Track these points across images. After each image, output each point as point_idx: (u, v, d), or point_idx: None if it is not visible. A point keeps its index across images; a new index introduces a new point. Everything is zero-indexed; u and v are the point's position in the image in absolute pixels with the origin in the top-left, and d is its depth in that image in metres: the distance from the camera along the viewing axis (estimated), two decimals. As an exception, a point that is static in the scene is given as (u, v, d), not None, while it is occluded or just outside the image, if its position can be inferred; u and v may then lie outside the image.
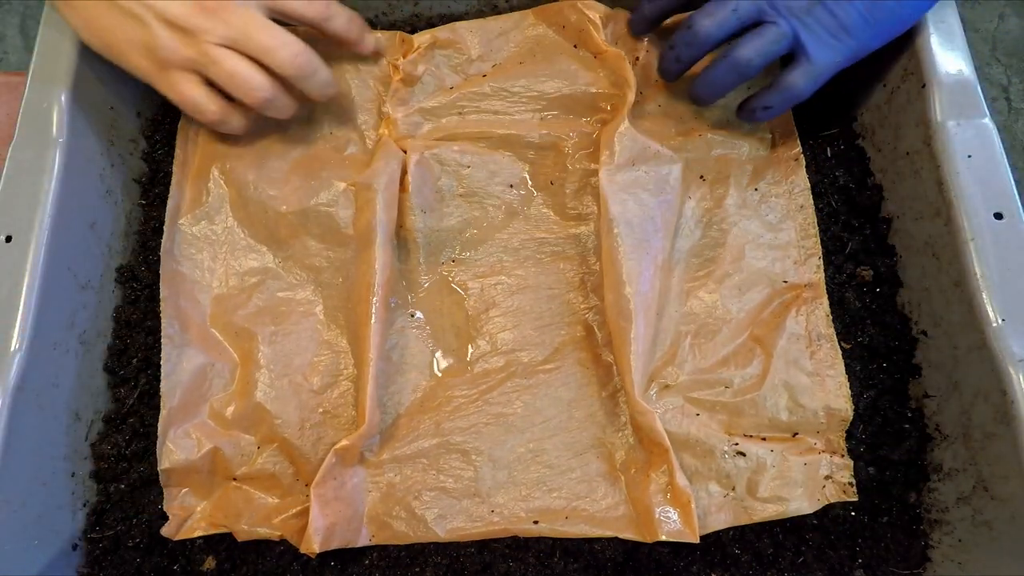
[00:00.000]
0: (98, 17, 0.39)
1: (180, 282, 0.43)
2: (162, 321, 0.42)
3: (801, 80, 0.40)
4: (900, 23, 0.40)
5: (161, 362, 0.41)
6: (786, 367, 0.40)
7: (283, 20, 0.41)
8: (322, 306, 0.43)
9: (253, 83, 0.39)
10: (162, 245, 0.43)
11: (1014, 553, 0.34)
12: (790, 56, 0.40)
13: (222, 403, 0.41)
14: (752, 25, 0.39)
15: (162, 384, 0.41)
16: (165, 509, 0.40)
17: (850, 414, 0.39)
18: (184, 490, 0.40)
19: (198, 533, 0.39)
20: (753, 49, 0.39)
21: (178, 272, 0.43)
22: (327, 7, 0.42)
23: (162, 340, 0.42)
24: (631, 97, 0.43)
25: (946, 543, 0.38)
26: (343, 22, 0.43)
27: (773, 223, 0.43)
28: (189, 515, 0.40)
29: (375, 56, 0.46)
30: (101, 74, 0.43)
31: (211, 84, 0.40)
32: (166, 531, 0.39)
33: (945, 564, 0.38)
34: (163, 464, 0.40)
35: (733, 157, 0.44)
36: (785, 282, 0.42)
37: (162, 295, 0.42)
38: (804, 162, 0.44)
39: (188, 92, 0.39)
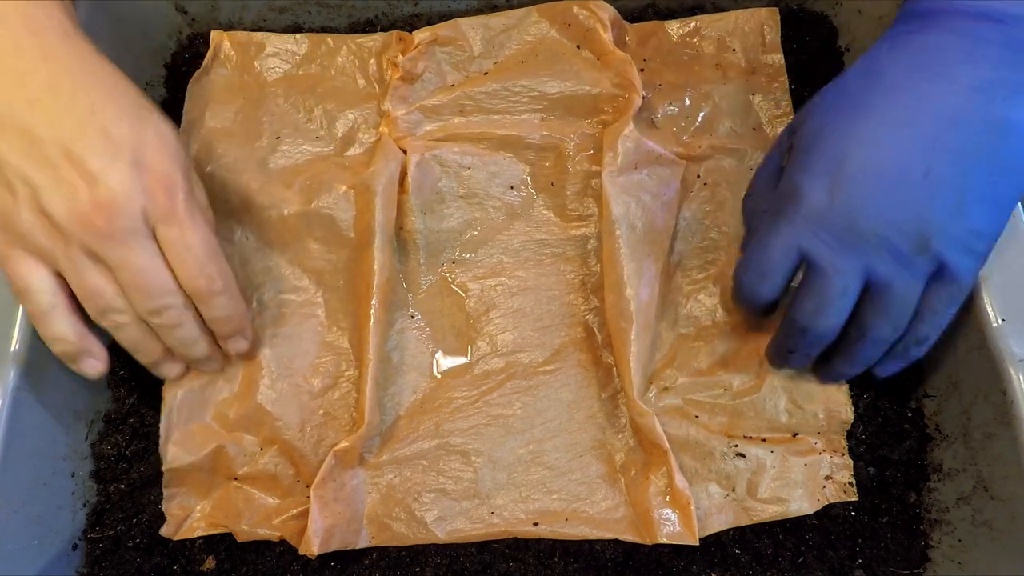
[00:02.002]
0: None
1: None
2: None
3: (950, 306, 0.33)
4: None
5: None
6: (786, 372, 0.40)
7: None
8: (324, 308, 0.43)
9: (114, 304, 0.33)
10: None
11: (1014, 553, 0.34)
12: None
13: (225, 404, 0.41)
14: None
15: (164, 384, 0.41)
16: (163, 509, 0.40)
17: (850, 415, 0.39)
18: (183, 489, 0.40)
19: (198, 533, 0.39)
20: (932, 326, 0.33)
21: None
22: (215, 283, 0.34)
23: None
24: (638, 101, 0.43)
25: (946, 543, 0.38)
26: (223, 312, 0.35)
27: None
28: (188, 515, 0.40)
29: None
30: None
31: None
32: (165, 531, 0.39)
33: (945, 564, 0.38)
34: (166, 464, 0.40)
35: (735, 162, 0.45)
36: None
37: None
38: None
39: (25, 274, 0.32)
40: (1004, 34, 0.28)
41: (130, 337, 0.34)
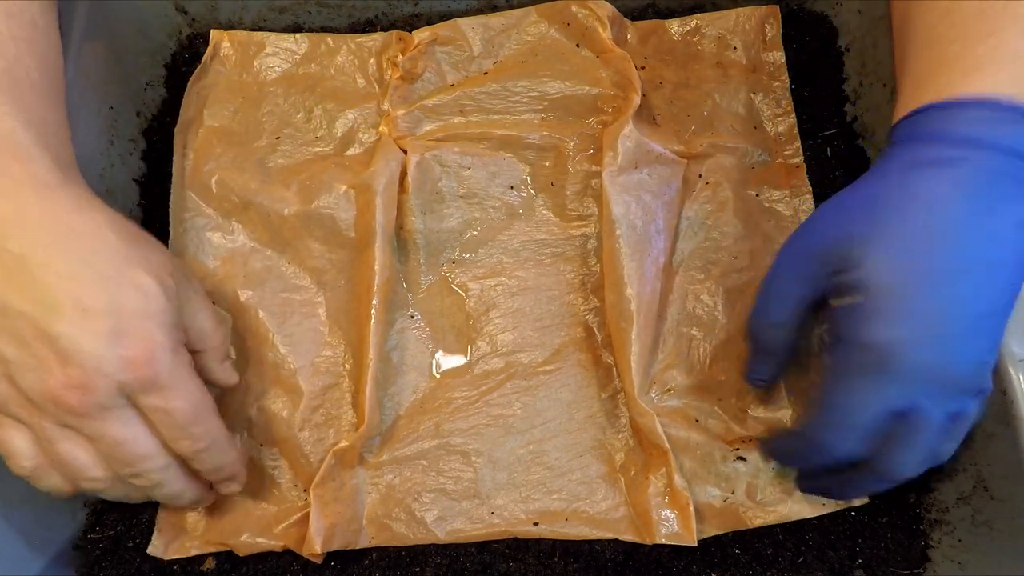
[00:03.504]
0: None
1: None
2: None
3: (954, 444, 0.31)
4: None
5: None
6: (786, 377, 0.40)
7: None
8: (324, 308, 0.43)
9: (89, 474, 0.31)
10: (168, 246, 0.43)
11: (1014, 553, 0.34)
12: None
13: (225, 403, 0.41)
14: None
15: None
16: (156, 525, 0.39)
17: None
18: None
19: (192, 552, 0.39)
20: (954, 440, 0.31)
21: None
22: (199, 443, 0.32)
23: None
24: (636, 100, 0.43)
25: (946, 543, 0.38)
26: (211, 465, 0.34)
27: (775, 227, 0.43)
28: (179, 534, 0.39)
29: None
30: (101, 74, 0.43)
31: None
32: (153, 549, 0.38)
33: (945, 564, 0.38)
34: None
35: (735, 161, 0.44)
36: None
37: None
38: (805, 167, 0.44)
39: (5, 438, 0.31)
40: None
41: (113, 494, 0.33)
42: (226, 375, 0.37)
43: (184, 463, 0.33)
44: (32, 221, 0.29)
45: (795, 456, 0.36)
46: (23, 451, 0.31)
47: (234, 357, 0.41)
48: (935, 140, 0.29)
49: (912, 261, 0.28)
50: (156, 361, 0.30)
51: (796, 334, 0.34)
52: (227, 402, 0.41)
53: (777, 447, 0.37)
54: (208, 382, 0.35)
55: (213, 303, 0.38)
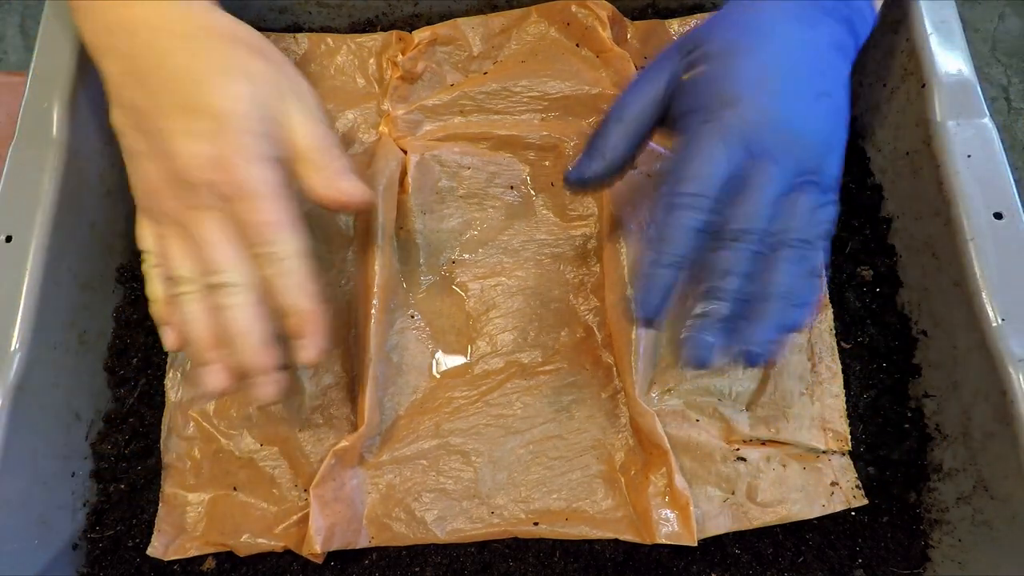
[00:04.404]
0: None
1: None
2: None
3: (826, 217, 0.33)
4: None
5: (167, 360, 0.42)
6: (787, 379, 0.40)
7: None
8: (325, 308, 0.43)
9: (179, 273, 0.32)
10: None
11: (1014, 553, 0.34)
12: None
13: (225, 403, 0.41)
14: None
15: (166, 380, 0.41)
16: (156, 526, 0.39)
17: (846, 427, 0.39)
18: (178, 502, 0.39)
19: (192, 553, 0.39)
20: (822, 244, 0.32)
21: None
22: (276, 255, 0.32)
23: None
24: None
25: (946, 543, 0.38)
26: (289, 295, 0.33)
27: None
28: (179, 533, 0.39)
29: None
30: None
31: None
32: (153, 550, 0.38)
33: (945, 564, 0.38)
34: (166, 459, 0.40)
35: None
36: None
37: None
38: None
39: (141, 236, 0.34)
40: (833, 6, 0.34)
41: (189, 311, 0.33)
42: (345, 190, 0.34)
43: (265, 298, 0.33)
44: (152, 26, 0.33)
45: (657, 236, 0.32)
46: (151, 247, 0.34)
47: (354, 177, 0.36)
48: None
49: (745, 36, 0.33)
50: (239, 167, 0.31)
51: (632, 142, 0.35)
52: (227, 401, 0.41)
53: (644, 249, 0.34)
54: (325, 204, 0.34)
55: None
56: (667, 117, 0.34)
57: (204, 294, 0.32)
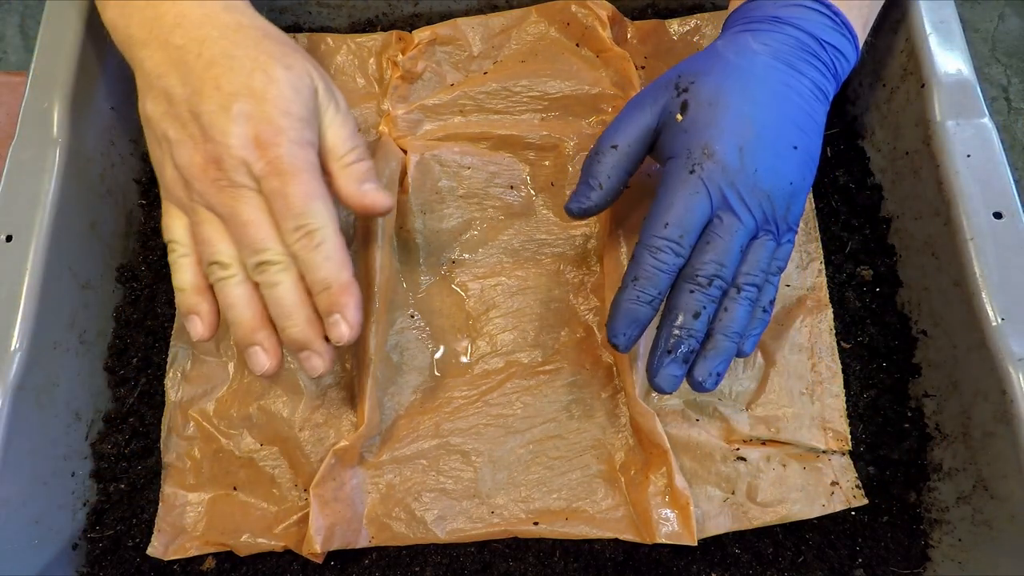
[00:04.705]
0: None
1: None
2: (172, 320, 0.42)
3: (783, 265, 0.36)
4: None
5: (168, 359, 0.42)
6: (787, 379, 0.40)
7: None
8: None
9: (219, 258, 0.33)
10: None
11: (1014, 553, 0.34)
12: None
13: (226, 404, 0.41)
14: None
15: (167, 380, 0.41)
16: (156, 526, 0.39)
17: (845, 428, 0.39)
18: (178, 502, 0.40)
19: (192, 553, 0.39)
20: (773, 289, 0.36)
21: None
22: (311, 235, 0.32)
23: (171, 339, 0.42)
24: None
25: (946, 543, 0.38)
26: (322, 272, 0.33)
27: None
28: (179, 533, 0.39)
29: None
30: (101, 74, 0.43)
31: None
32: (153, 550, 0.38)
33: (945, 564, 0.38)
34: (166, 458, 0.40)
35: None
36: (788, 286, 0.42)
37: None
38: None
39: (169, 225, 0.34)
40: (820, 51, 0.36)
41: (232, 295, 0.33)
42: (368, 197, 0.35)
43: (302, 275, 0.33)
44: (194, 19, 0.34)
45: (636, 274, 0.34)
46: (178, 238, 0.34)
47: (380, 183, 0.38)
48: (755, 20, 0.36)
49: (736, 82, 0.34)
50: (276, 145, 0.32)
51: (626, 170, 0.37)
52: (227, 401, 0.41)
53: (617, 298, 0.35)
54: (348, 204, 0.35)
55: None
56: (655, 147, 0.37)
57: (245, 276, 0.33)
